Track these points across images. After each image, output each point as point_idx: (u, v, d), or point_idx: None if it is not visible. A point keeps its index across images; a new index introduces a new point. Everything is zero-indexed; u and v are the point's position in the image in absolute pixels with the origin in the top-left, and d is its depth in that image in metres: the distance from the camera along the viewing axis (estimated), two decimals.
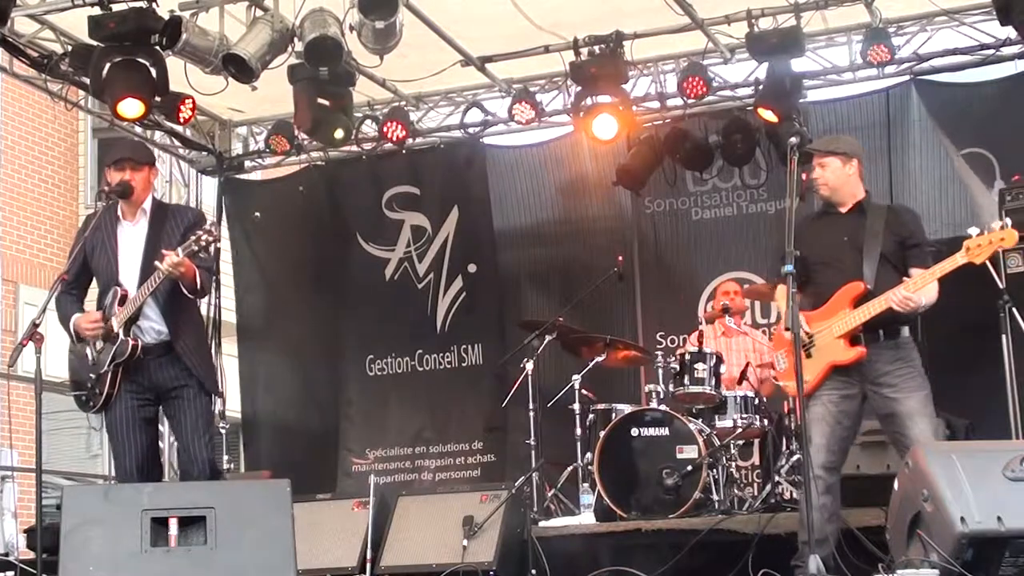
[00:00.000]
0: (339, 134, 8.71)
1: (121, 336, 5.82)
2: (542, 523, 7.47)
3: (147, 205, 6.04)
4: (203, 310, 7.32)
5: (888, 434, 5.99)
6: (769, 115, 8.49)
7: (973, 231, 5.62)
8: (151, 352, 5.89)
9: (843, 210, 6.01)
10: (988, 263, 5.82)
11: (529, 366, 8.17)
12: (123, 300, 5.86)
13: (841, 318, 5.79)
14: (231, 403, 10.27)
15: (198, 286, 5.84)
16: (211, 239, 5.72)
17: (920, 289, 5.67)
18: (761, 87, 8.54)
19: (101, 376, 5.87)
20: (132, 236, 5.99)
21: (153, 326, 5.90)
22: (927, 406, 5.75)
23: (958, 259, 5.61)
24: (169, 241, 5.90)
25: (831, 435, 5.82)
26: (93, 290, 6.18)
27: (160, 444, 6.35)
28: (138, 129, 9.53)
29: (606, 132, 8.72)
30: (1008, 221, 5.65)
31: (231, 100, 9.11)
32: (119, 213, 6.03)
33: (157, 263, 5.72)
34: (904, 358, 5.79)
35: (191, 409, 5.91)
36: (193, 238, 5.70)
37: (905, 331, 5.82)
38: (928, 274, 5.69)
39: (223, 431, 8.95)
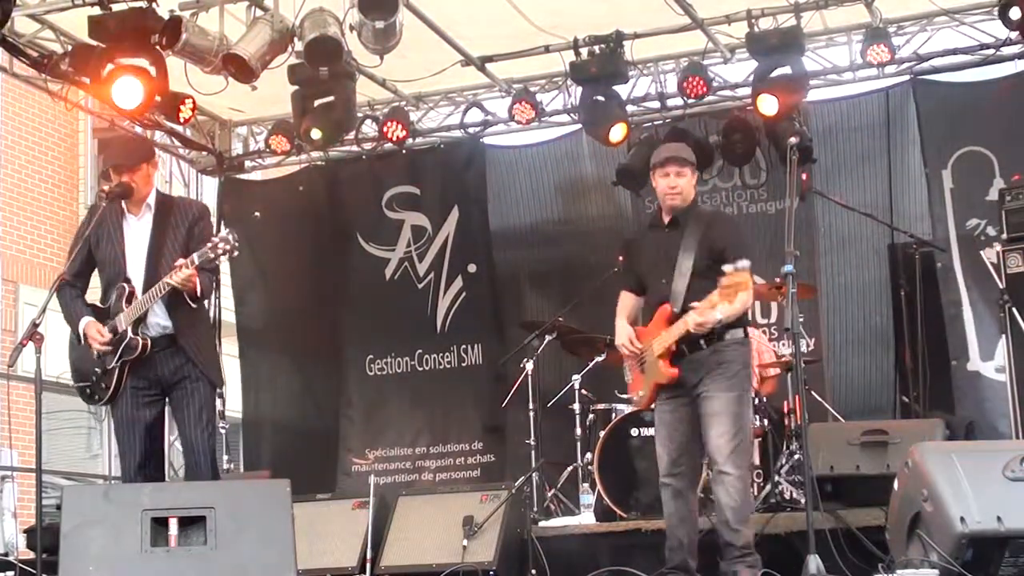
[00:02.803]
0: (315, 134, 8.62)
1: (130, 334, 5.83)
2: (542, 523, 7.49)
3: (151, 200, 6.03)
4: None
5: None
6: (770, 105, 8.34)
7: (729, 268, 5.55)
8: (157, 345, 5.90)
9: (666, 220, 6.00)
10: (989, 264, 5.82)
11: (529, 366, 8.18)
12: (130, 298, 5.86)
13: (658, 339, 5.81)
14: (231, 403, 10.27)
15: (198, 294, 5.83)
16: (229, 247, 5.70)
17: (708, 312, 5.61)
18: (767, 78, 8.37)
19: (108, 371, 5.88)
20: (137, 230, 5.99)
21: (159, 321, 5.90)
22: (730, 406, 5.72)
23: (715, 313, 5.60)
24: (174, 235, 5.92)
25: (669, 444, 5.85)
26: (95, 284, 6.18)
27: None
28: (138, 129, 9.52)
29: (617, 136, 8.83)
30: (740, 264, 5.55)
31: (231, 100, 9.11)
32: (123, 207, 6.03)
33: (167, 279, 5.72)
34: (722, 360, 5.77)
35: (194, 399, 5.91)
36: (209, 246, 5.69)
37: (728, 335, 5.77)
38: (695, 314, 5.64)
39: (223, 431, 8.95)
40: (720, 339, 5.76)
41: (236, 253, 5.76)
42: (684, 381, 5.79)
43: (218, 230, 9.85)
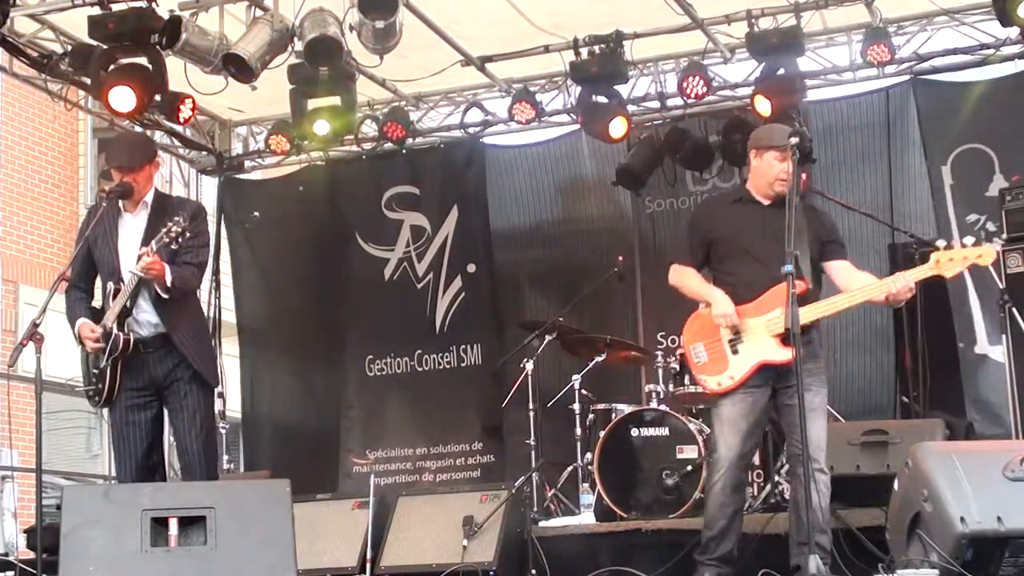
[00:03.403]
0: (320, 127, 8.54)
1: (114, 331, 5.82)
2: (542, 523, 7.47)
3: (148, 198, 6.04)
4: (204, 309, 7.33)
5: (784, 427, 5.89)
6: (765, 106, 8.37)
7: (942, 243, 5.54)
8: (150, 346, 5.89)
9: (767, 202, 5.91)
10: (989, 265, 5.79)
11: (529, 366, 8.17)
12: (116, 295, 5.87)
13: (778, 315, 5.51)
14: (231, 403, 10.27)
15: (168, 285, 5.80)
16: (179, 229, 5.69)
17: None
18: (765, 78, 8.42)
19: (101, 372, 5.87)
20: (132, 228, 5.98)
21: (150, 319, 5.89)
22: (824, 404, 5.74)
23: (925, 270, 5.52)
24: None
25: (746, 433, 5.71)
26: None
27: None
28: (138, 129, 9.52)
29: (618, 131, 8.78)
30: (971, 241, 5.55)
31: (231, 100, 9.12)
32: (120, 205, 6.03)
33: (130, 268, 5.73)
34: (815, 353, 5.71)
35: (187, 403, 5.91)
36: (164, 230, 5.70)
37: (814, 330, 5.74)
38: (906, 275, 5.58)
39: (223, 431, 8.94)
40: (811, 331, 5.67)
41: (188, 234, 5.74)
42: (778, 367, 5.64)
43: (217, 230, 9.98)
